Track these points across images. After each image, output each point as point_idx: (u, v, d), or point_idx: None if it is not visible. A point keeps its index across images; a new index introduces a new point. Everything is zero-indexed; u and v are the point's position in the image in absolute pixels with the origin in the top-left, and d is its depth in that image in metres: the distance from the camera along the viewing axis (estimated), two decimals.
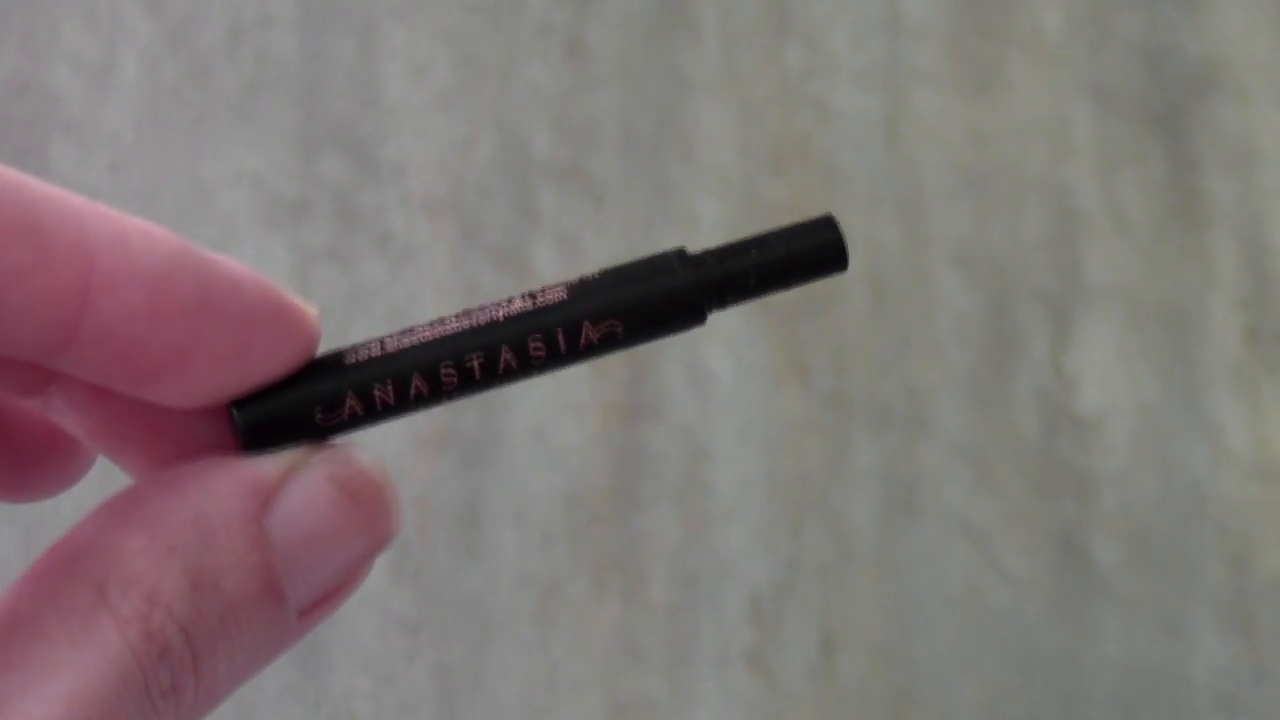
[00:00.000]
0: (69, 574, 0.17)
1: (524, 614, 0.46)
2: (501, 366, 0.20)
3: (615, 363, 0.47)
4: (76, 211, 0.18)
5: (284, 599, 0.18)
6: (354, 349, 0.20)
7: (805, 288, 0.48)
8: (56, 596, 0.17)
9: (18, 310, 0.17)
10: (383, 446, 0.47)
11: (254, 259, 0.49)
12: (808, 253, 0.21)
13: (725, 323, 0.48)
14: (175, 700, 0.17)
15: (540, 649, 0.46)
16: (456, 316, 0.20)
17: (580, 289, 0.20)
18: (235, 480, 0.18)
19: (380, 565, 0.47)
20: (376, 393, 0.20)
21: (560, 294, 0.20)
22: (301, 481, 0.19)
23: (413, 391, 0.20)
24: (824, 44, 0.50)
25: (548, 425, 0.47)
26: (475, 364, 0.20)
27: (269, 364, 0.19)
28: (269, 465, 0.19)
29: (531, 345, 0.20)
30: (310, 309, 0.20)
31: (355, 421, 0.20)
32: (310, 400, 0.20)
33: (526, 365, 0.20)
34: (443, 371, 0.20)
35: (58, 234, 0.17)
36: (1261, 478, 0.46)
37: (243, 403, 0.19)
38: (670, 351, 0.48)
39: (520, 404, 0.47)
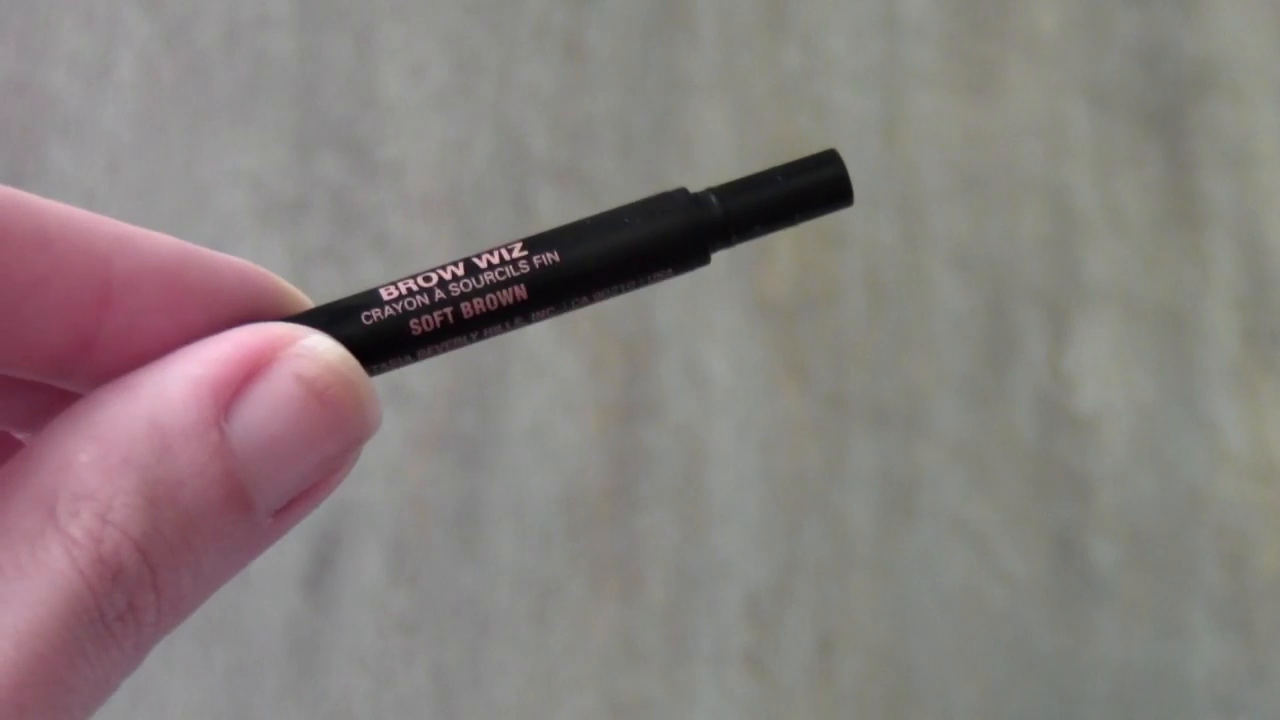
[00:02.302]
0: (17, 491, 0.17)
1: (522, 614, 0.46)
2: (498, 308, 0.20)
3: (613, 362, 0.47)
4: (82, 220, 0.18)
5: (251, 505, 0.18)
6: (348, 299, 0.20)
7: (803, 288, 0.48)
8: (4, 517, 0.16)
9: (39, 319, 0.17)
10: (381, 447, 0.47)
11: (251, 259, 0.49)
12: (813, 188, 0.21)
13: (723, 323, 0.48)
14: (134, 621, 0.17)
15: (538, 649, 0.46)
16: (454, 262, 0.20)
17: (580, 229, 0.20)
18: (193, 383, 0.17)
19: (378, 565, 0.47)
20: (372, 333, 0.19)
21: (559, 237, 0.20)
22: (265, 382, 0.18)
23: (411, 331, 0.20)
24: (822, 45, 0.50)
25: (545, 425, 0.47)
26: (473, 307, 0.20)
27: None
28: (230, 363, 0.18)
29: (525, 290, 0.20)
30: (304, 297, 0.20)
31: (368, 344, 0.19)
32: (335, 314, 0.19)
33: (526, 307, 0.20)
34: (437, 315, 0.20)
35: (70, 242, 0.17)
36: (1259, 478, 0.46)
37: None
38: (668, 351, 0.48)
39: (517, 404, 0.47)
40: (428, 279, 0.20)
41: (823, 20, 0.50)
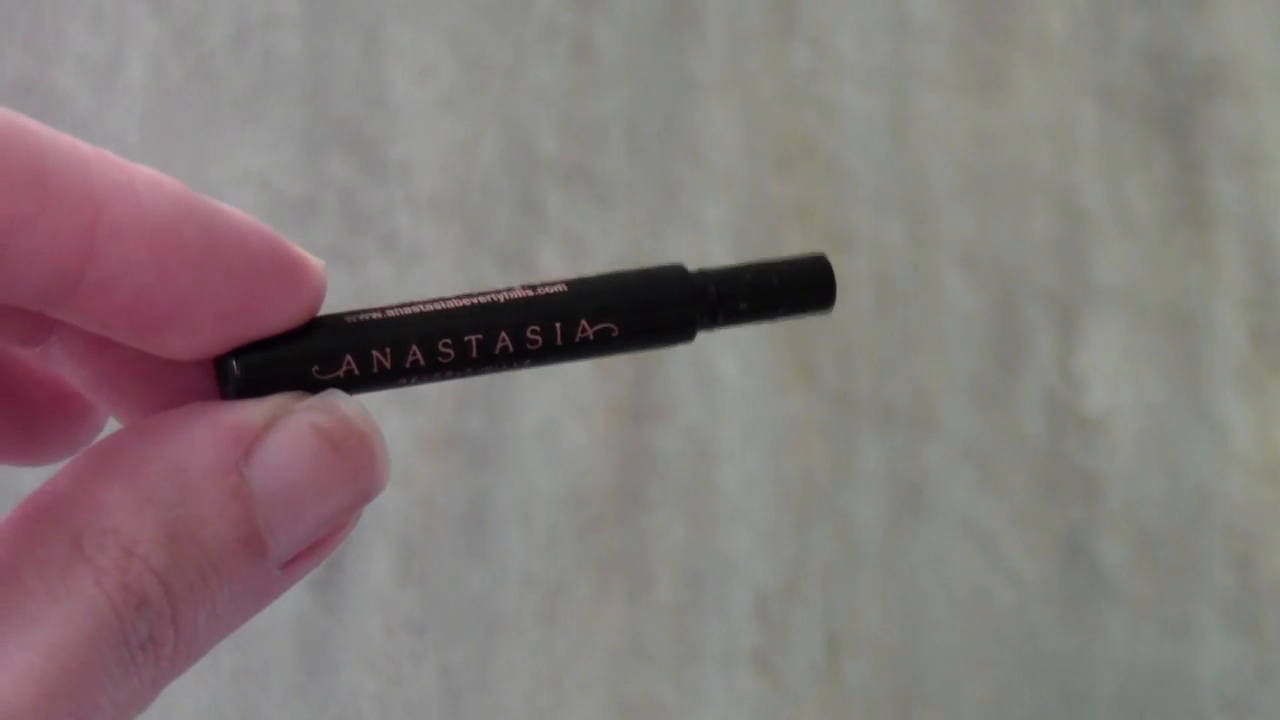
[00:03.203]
0: (45, 524, 0.17)
1: (530, 615, 0.46)
2: (498, 349, 0.20)
3: (621, 363, 0.47)
4: (83, 159, 0.17)
5: (265, 550, 0.18)
6: (355, 312, 0.20)
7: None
8: (33, 547, 0.17)
9: (22, 258, 0.17)
10: (389, 448, 0.47)
11: None
12: (799, 286, 0.21)
13: None
14: (154, 652, 0.17)
15: (546, 650, 0.46)
16: (457, 297, 0.20)
17: (580, 286, 0.20)
18: (216, 428, 0.18)
19: (386, 566, 0.47)
20: (375, 355, 0.20)
21: (560, 289, 0.20)
22: (284, 430, 0.18)
23: (409, 361, 0.20)
24: (830, 45, 0.50)
25: (553, 426, 0.47)
26: (473, 342, 0.20)
27: (272, 317, 0.19)
28: (251, 412, 0.18)
29: (529, 332, 0.20)
30: (316, 261, 0.20)
31: (350, 383, 0.19)
32: (307, 356, 0.19)
33: (521, 352, 0.20)
34: (440, 345, 0.20)
35: (64, 182, 0.17)
36: (1268, 478, 0.46)
37: (239, 352, 0.19)
38: (676, 352, 0.48)
39: (526, 405, 0.47)
40: (423, 308, 0.20)
41: (831, 20, 0.50)
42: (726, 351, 0.47)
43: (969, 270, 0.48)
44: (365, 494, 0.19)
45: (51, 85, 0.51)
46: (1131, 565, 0.45)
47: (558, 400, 0.47)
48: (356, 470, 0.19)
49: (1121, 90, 0.49)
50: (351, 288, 0.49)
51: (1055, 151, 0.48)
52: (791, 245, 0.48)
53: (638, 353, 0.21)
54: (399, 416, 0.47)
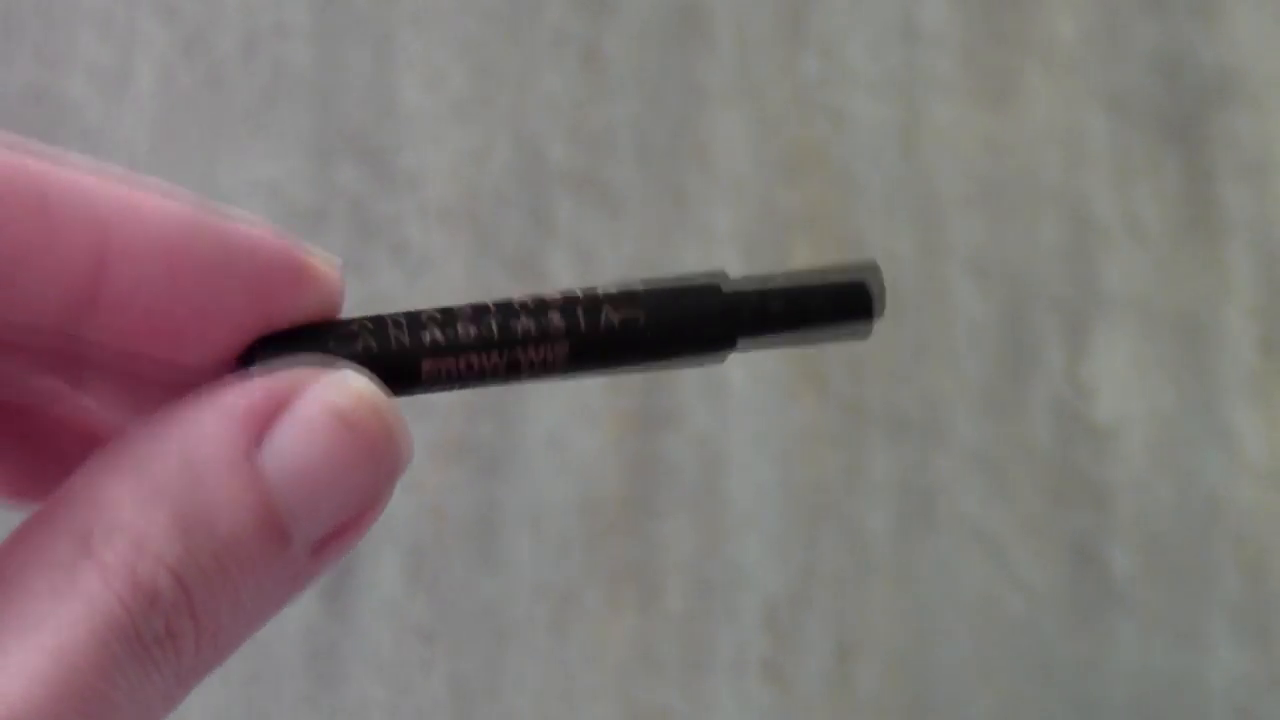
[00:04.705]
0: (52, 527, 0.17)
1: (540, 623, 0.46)
2: (524, 364, 0.20)
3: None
4: (85, 183, 0.17)
5: (288, 537, 0.18)
6: (371, 317, 0.20)
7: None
8: (40, 549, 0.17)
9: (34, 287, 0.17)
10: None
11: None
12: (839, 309, 0.21)
13: None
14: (174, 647, 0.17)
15: (556, 658, 0.46)
16: (491, 302, 0.20)
17: (611, 294, 0.20)
18: (224, 416, 0.18)
19: (396, 574, 0.47)
20: (391, 330, 0.19)
21: (594, 294, 0.20)
22: (297, 412, 0.18)
23: (426, 372, 0.20)
24: (840, 53, 0.50)
25: (563, 434, 0.47)
26: (497, 359, 0.20)
27: (294, 319, 0.19)
28: (261, 394, 0.18)
29: (551, 351, 0.20)
30: (332, 262, 0.20)
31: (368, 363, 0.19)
32: (323, 330, 0.19)
33: (547, 365, 0.20)
34: (463, 357, 0.20)
35: (68, 208, 0.17)
36: (1278, 486, 0.46)
37: (262, 344, 0.19)
38: None
39: (536, 413, 0.47)
40: (453, 319, 0.20)
41: (841, 29, 0.50)
42: (736, 360, 0.47)
43: (979, 279, 0.48)
44: (387, 472, 0.19)
45: (61, 94, 0.51)
46: (1141, 573, 0.45)
47: (568, 409, 0.47)
48: (374, 447, 0.19)
49: (1132, 99, 0.49)
50: (362, 296, 0.49)
51: (1065, 160, 0.48)
52: (801, 254, 0.48)
53: (668, 366, 0.20)
54: (408, 424, 0.47)
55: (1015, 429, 0.47)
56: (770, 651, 0.46)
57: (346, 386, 0.19)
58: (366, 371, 0.19)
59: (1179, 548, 0.46)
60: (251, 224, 0.19)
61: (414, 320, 0.20)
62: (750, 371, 0.47)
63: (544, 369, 0.20)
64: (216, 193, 0.50)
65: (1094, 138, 0.49)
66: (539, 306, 0.19)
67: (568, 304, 0.20)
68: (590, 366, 0.20)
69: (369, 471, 0.19)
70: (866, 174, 0.49)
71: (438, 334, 0.20)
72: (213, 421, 0.18)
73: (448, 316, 0.20)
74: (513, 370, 0.20)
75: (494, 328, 0.19)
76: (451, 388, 0.20)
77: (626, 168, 0.49)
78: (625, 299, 0.20)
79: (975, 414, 0.47)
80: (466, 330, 0.20)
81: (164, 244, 0.18)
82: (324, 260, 0.20)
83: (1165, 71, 0.49)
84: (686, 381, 0.47)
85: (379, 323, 0.20)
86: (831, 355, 0.47)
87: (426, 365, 0.20)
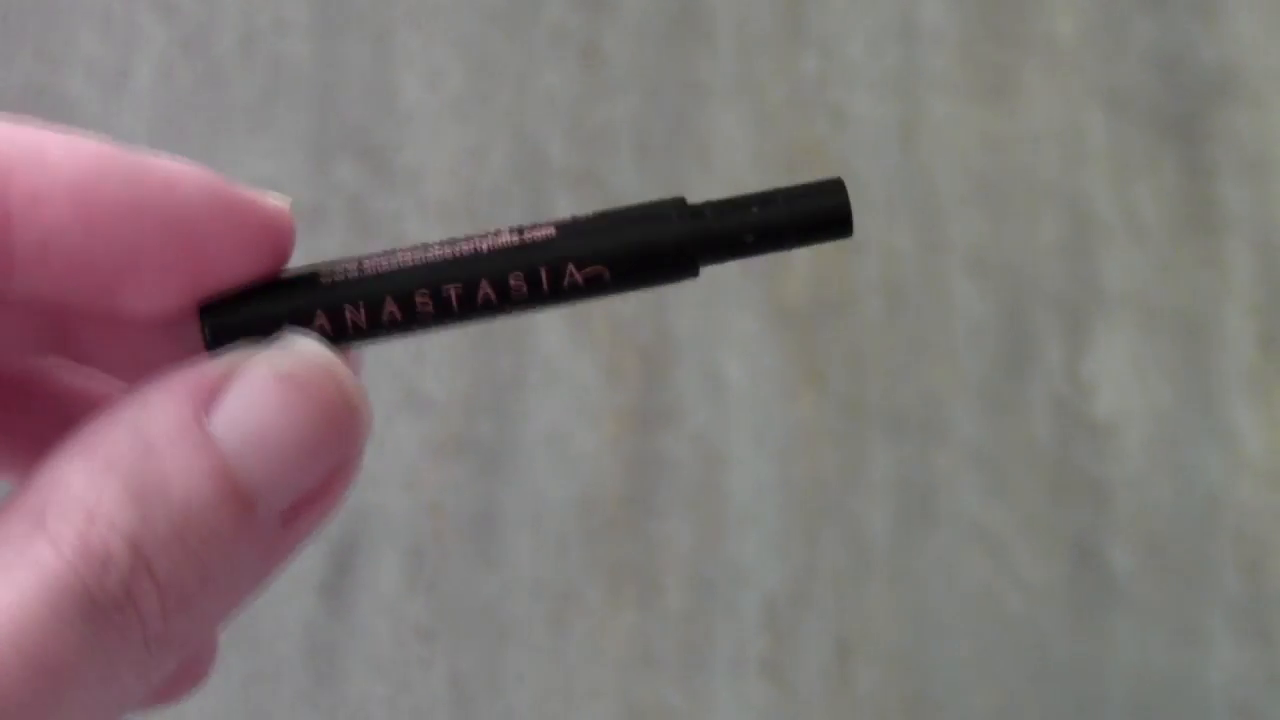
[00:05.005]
0: (9, 510, 0.17)
1: (539, 621, 0.46)
2: (480, 299, 0.19)
3: (630, 369, 0.47)
4: None
5: (250, 502, 0.18)
6: (330, 265, 0.19)
7: (820, 294, 0.48)
8: None
9: None
10: (397, 454, 0.47)
11: None
12: (811, 215, 0.20)
13: (740, 329, 0.48)
14: (135, 612, 0.17)
15: (556, 656, 0.46)
16: (440, 244, 0.20)
17: (570, 229, 0.20)
18: (171, 389, 0.18)
19: (396, 572, 0.47)
20: (348, 313, 0.19)
21: (549, 232, 0.20)
22: (244, 377, 0.18)
23: (385, 315, 0.19)
24: (839, 51, 0.50)
25: (562, 432, 0.47)
26: (452, 293, 0.19)
27: (231, 262, 0.19)
28: (208, 368, 0.18)
29: (512, 281, 0.19)
30: (275, 202, 0.19)
31: (326, 339, 0.19)
32: (278, 314, 0.19)
33: (505, 300, 0.19)
34: (418, 298, 0.19)
35: None
36: (1278, 484, 0.46)
37: (210, 309, 0.19)
38: (685, 358, 0.48)
39: (535, 410, 0.47)
40: (402, 258, 0.19)
41: (840, 26, 0.50)
42: (735, 357, 0.47)
43: (978, 276, 0.48)
44: (346, 431, 0.19)
45: (61, 91, 0.51)
46: (1141, 571, 0.45)
47: (566, 406, 0.47)
48: (326, 405, 0.18)
49: (1131, 96, 0.49)
50: None
51: (1064, 157, 0.48)
52: (800, 252, 0.48)
53: (639, 290, 0.20)
54: (407, 422, 0.47)
55: (1015, 426, 0.47)
56: (769, 649, 0.46)
57: (291, 349, 0.18)
58: (313, 334, 0.19)
59: (1178, 545, 0.46)
60: (172, 164, 0.19)
61: (365, 280, 0.19)
62: (749, 369, 0.47)
63: (502, 313, 0.20)
64: None
65: (1093, 135, 0.49)
66: (499, 268, 0.19)
67: (530, 271, 0.19)
68: (547, 307, 0.20)
69: (326, 430, 0.18)
70: (866, 171, 0.49)
71: (394, 310, 0.19)
72: (160, 395, 0.18)
73: (403, 279, 0.19)
74: (467, 320, 0.20)
75: (453, 300, 0.19)
76: (402, 336, 0.20)
77: (626, 165, 0.49)
78: (590, 254, 0.19)
79: (975, 411, 0.47)
80: (425, 303, 0.19)
81: (71, 185, 0.17)
82: (267, 197, 0.19)
83: (1164, 69, 0.49)
84: (685, 379, 0.47)
85: (332, 280, 0.19)
86: (831, 352, 0.47)
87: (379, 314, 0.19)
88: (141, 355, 0.20)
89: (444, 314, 0.19)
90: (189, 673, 0.21)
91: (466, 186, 0.49)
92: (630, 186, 0.49)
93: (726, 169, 0.49)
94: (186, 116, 0.51)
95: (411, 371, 0.47)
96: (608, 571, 0.46)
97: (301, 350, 0.18)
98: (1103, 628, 0.45)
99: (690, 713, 0.45)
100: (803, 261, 0.48)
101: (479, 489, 0.47)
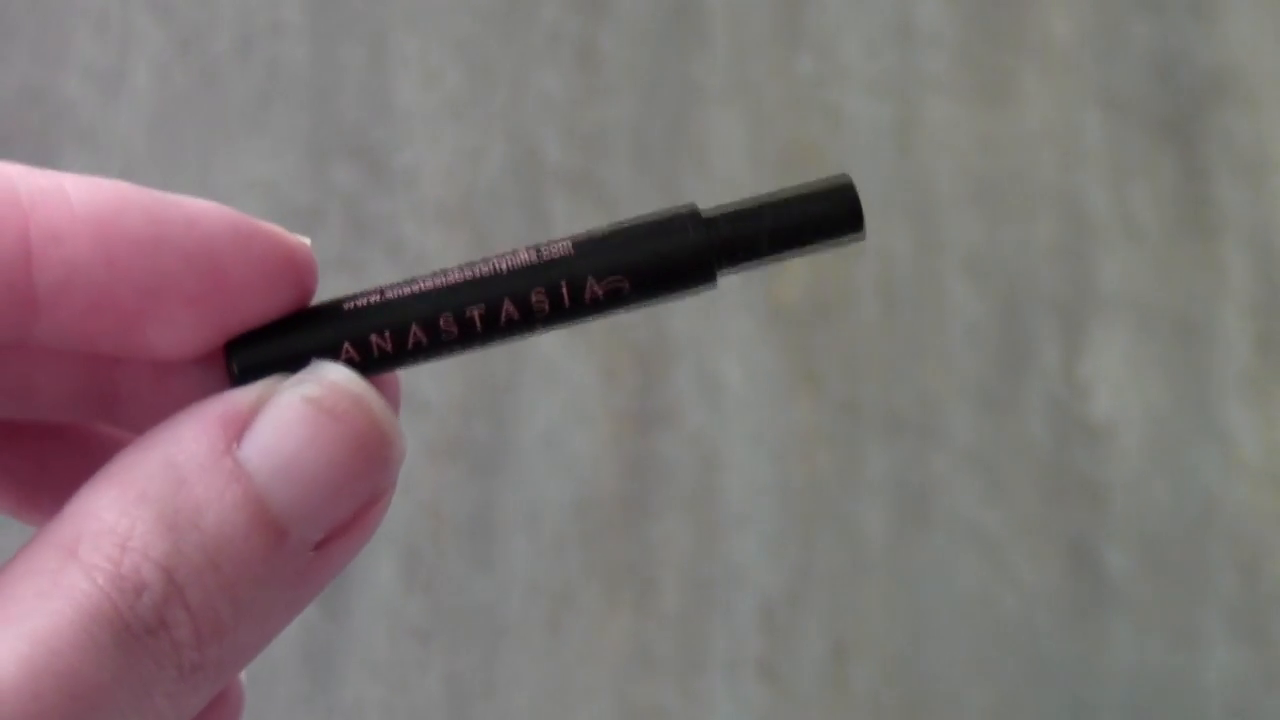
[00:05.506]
0: (41, 540, 0.17)
1: (536, 622, 0.46)
2: (503, 319, 0.20)
3: (626, 371, 0.48)
4: (4, 173, 0.17)
5: (283, 531, 0.18)
6: (353, 297, 0.20)
7: (816, 295, 0.48)
8: (29, 561, 0.17)
9: None
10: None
11: None
12: (824, 217, 0.20)
13: (737, 331, 0.48)
14: (169, 638, 0.17)
15: (552, 657, 0.46)
16: (459, 268, 0.20)
17: (587, 244, 0.20)
18: (201, 418, 0.18)
19: (392, 573, 0.47)
20: (374, 341, 0.19)
21: (566, 248, 0.20)
22: (274, 407, 0.18)
23: (411, 342, 0.19)
24: (835, 52, 0.50)
25: (559, 434, 0.47)
26: (475, 315, 0.19)
27: (255, 299, 0.19)
28: (238, 397, 0.18)
29: (534, 298, 0.20)
30: (295, 239, 0.19)
31: (352, 369, 0.19)
32: (305, 348, 0.19)
33: (529, 317, 0.20)
34: (442, 322, 0.19)
35: None
36: (1273, 485, 0.46)
37: (237, 345, 0.19)
38: (682, 360, 0.48)
39: (532, 412, 0.47)
40: (423, 284, 0.20)
41: (836, 28, 0.50)
42: (731, 359, 0.47)
43: (974, 277, 0.48)
44: (379, 459, 0.19)
45: (58, 93, 0.51)
46: (1137, 573, 0.45)
47: (563, 408, 0.47)
48: (358, 434, 0.18)
49: (1127, 98, 0.49)
50: None
51: (1061, 159, 0.49)
52: None
53: (658, 302, 0.20)
54: (404, 424, 0.47)
55: (1011, 428, 0.47)
56: (766, 650, 0.46)
57: (322, 378, 0.18)
58: (342, 364, 0.19)
59: (1174, 547, 0.46)
60: (192, 201, 0.18)
61: (388, 307, 0.19)
62: (746, 371, 0.47)
63: (528, 332, 0.20)
64: (212, 192, 0.50)
65: (1089, 137, 0.49)
66: (520, 286, 0.19)
67: (551, 287, 0.20)
68: (569, 323, 0.20)
69: (358, 459, 0.18)
70: (862, 172, 0.49)
71: (419, 336, 0.19)
72: (191, 425, 0.18)
73: (426, 303, 0.19)
74: (491, 341, 0.20)
75: (476, 322, 0.20)
76: (427, 360, 0.20)
77: (622, 166, 0.49)
78: (609, 268, 0.20)
79: (971, 413, 0.47)
80: (450, 326, 0.20)
81: (92, 221, 0.17)
82: (287, 234, 0.19)
83: (1161, 71, 0.49)
84: (682, 381, 0.48)
85: (356, 308, 0.19)
86: (827, 354, 0.47)
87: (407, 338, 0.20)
88: (172, 408, 0.20)
89: (468, 336, 0.20)
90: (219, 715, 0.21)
91: (463, 187, 0.49)
92: (627, 187, 0.49)
93: (723, 170, 0.49)
94: (183, 118, 0.51)
95: (408, 374, 0.47)
96: (605, 573, 0.46)
97: (332, 378, 0.18)
98: (1099, 629, 0.45)
99: (687, 713, 0.45)
100: (798, 263, 0.48)
101: (476, 490, 0.47)
